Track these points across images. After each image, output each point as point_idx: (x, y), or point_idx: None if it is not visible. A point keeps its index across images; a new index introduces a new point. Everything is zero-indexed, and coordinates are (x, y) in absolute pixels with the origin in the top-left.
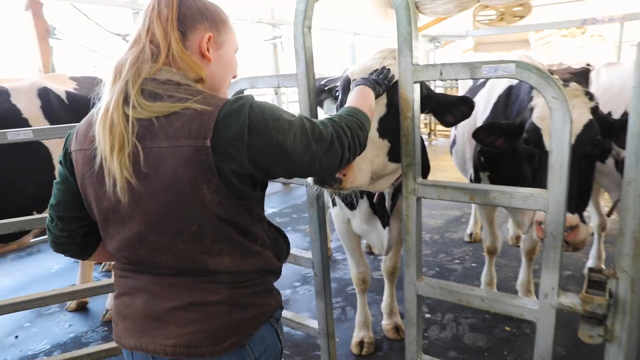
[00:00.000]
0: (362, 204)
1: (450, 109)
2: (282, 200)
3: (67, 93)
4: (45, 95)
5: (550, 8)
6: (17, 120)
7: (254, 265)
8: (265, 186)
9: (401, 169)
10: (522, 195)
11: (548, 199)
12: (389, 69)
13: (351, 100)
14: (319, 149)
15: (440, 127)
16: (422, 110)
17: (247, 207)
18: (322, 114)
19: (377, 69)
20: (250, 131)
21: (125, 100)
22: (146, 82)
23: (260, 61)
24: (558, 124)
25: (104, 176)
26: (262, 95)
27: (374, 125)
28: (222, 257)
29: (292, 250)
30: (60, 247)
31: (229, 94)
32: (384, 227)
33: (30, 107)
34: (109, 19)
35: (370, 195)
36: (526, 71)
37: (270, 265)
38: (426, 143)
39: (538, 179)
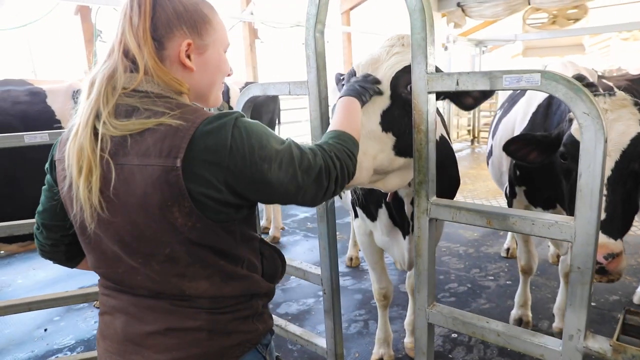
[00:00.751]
0: (381, 214)
1: (468, 91)
2: None
3: None
4: None
5: (609, 10)
6: (51, 121)
7: (237, 289)
8: (255, 204)
9: (413, 185)
10: (545, 222)
11: (575, 228)
12: (373, 77)
13: (337, 120)
14: (306, 180)
15: (484, 134)
16: (437, 99)
17: (229, 229)
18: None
19: (364, 74)
20: (231, 154)
21: (97, 118)
22: (123, 97)
23: (299, 64)
24: (589, 143)
25: (73, 198)
26: (300, 98)
27: (376, 119)
28: (199, 281)
29: (301, 265)
30: (46, 254)
31: (241, 102)
32: (404, 237)
33: (64, 109)
34: None
35: (388, 205)
36: (553, 82)
37: (256, 289)
38: (468, 150)
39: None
